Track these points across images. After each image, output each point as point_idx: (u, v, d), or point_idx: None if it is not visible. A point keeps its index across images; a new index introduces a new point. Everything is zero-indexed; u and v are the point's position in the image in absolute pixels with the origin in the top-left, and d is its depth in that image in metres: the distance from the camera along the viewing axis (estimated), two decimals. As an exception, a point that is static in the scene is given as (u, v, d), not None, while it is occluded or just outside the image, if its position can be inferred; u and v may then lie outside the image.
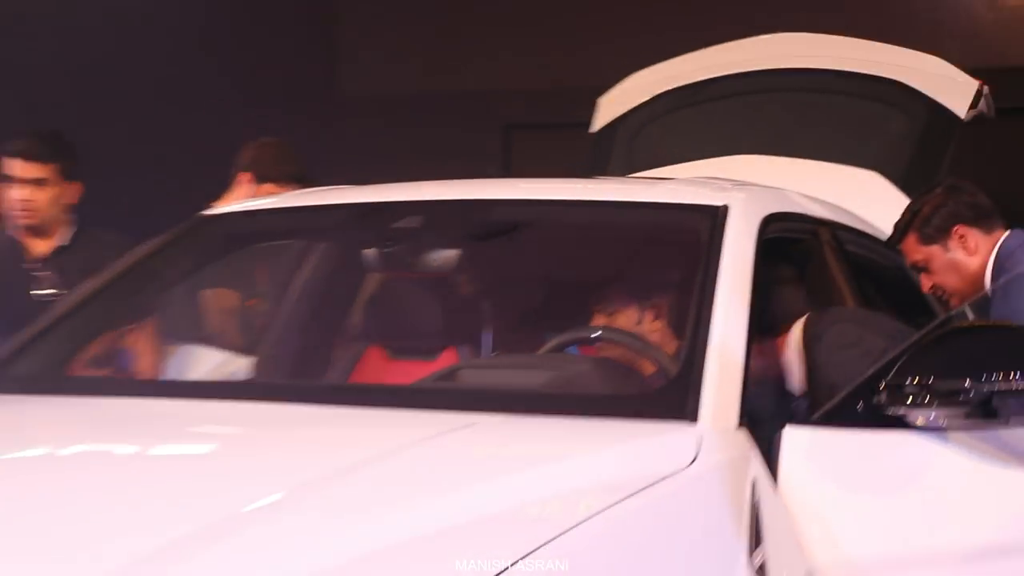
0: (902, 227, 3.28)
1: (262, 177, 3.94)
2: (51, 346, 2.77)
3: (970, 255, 3.28)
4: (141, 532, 1.60)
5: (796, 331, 2.63)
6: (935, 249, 3.29)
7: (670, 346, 2.77)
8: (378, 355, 2.95)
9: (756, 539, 1.91)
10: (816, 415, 2.21)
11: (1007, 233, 3.26)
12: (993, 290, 3.23)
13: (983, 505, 2.28)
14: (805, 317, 2.67)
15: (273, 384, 2.99)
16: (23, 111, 4.32)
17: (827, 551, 2.10)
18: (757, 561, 1.89)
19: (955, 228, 3.24)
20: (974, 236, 3.27)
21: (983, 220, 3.29)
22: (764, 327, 2.69)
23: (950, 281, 3.30)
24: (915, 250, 3.30)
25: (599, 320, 2.83)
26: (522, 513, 1.67)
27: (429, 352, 2.92)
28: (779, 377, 2.68)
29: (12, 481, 1.93)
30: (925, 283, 3.34)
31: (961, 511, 2.27)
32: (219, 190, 3.94)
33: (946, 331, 2.23)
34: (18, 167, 3.74)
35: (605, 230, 2.97)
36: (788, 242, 2.73)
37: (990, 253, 3.26)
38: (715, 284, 2.32)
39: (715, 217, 2.51)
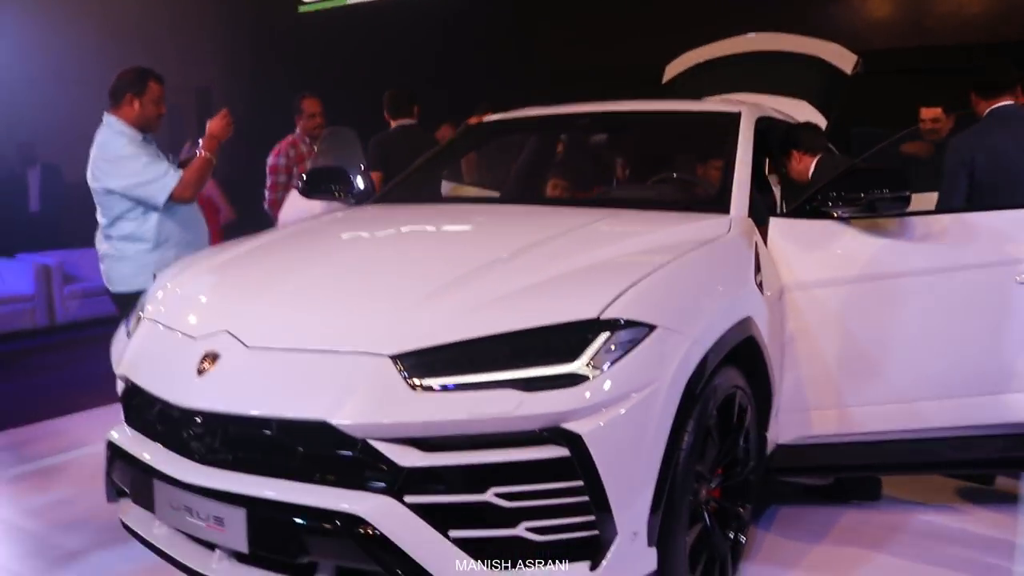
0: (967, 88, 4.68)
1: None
2: (414, 181, 4.19)
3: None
4: (453, 267, 2.66)
5: (813, 164, 4.00)
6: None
7: (705, 177, 4.01)
8: (554, 191, 4.27)
9: (757, 268, 3.08)
10: (785, 211, 3.45)
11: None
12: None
13: (862, 255, 3.30)
14: (817, 158, 4.02)
15: (515, 196, 4.38)
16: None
17: (788, 276, 3.26)
18: (758, 279, 3.06)
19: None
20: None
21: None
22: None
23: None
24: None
25: (687, 168, 4.09)
26: (655, 251, 2.77)
27: (587, 188, 4.19)
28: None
29: (371, 242, 3.25)
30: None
31: (852, 258, 3.30)
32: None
33: (853, 168, 3.37)
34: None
35: (686, 125, 4.18)
36: (767, 129, 3.94)
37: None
38: (736, 150, 3.55)
39: (735, 118, 3.76)
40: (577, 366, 2.27)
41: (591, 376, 2.26)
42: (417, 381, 2.25)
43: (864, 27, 8.44)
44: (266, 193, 6.47)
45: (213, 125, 4.21)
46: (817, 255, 3.35)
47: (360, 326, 2.42)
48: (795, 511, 3.73)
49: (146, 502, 2.62)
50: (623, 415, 2.29)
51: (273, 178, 6.40)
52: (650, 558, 2.41)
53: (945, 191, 4.44)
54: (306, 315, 2.55)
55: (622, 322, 2.36)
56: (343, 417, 2.22)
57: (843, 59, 5.37)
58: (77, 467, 4.37)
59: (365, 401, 2.23)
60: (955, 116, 5.86)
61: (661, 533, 2.42)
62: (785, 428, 3.40)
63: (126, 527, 2.83)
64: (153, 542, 2.68)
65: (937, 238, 3.37)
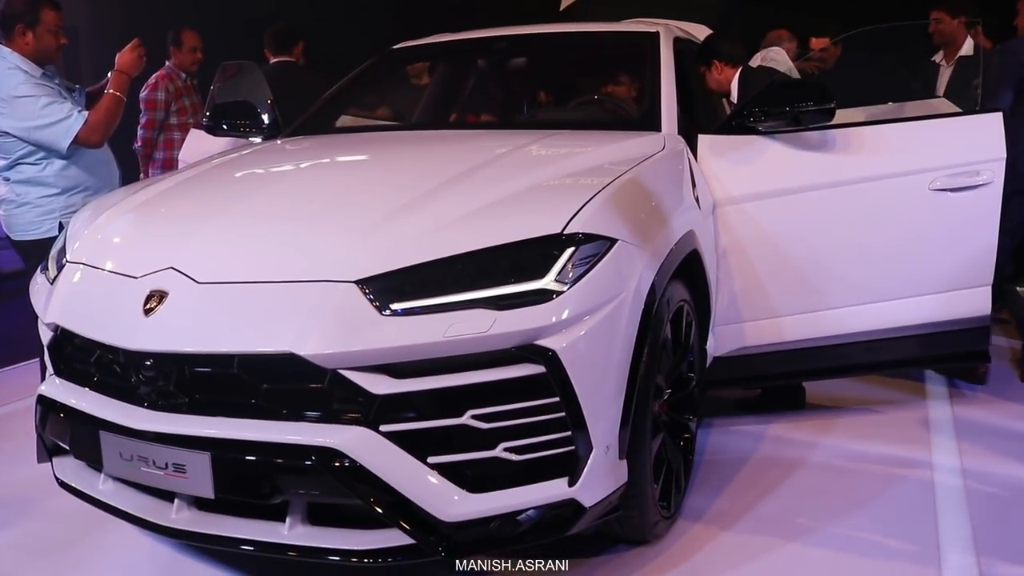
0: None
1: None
2: (325, 112, 4.04)
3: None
4: (402, 191, 2.59)
5: (736, 77, 4.00)
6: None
7: (626, 97, 4.02)
8: (472, 117, 4.20)
9: (693, 184, 3.14)
10: (712, 127, 3.49)
11: None
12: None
13: (787, 168, 3.39)
14: (740, 71, 4.04)
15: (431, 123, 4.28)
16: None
17: (719, 191, 3.34)
18: (695, 194, 3.11)
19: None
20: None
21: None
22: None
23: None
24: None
25: (608, 89, 4.07)
26: (600, 168, 2.77)
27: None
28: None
29: (308, 171, 3.14)
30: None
31: (778, 172, 3.40)
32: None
33: (776, 84, 3.48)
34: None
35: (605, 46, 4.18)
36: (682, 49, 3.95)
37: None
38: (659, 68, 3.56)
39: (655, 37, 3.78)
40: (546, 282, 2.25)
41: (560, 291, 2.25)
42: (385, 305, 2.19)
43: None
44: (138, 131, 5.88)
45: (122, 59, 3.87)
46: (745, 170, 3.42)
47: (318, 253, 2.33)
48: (728, 424, 3.85)
49: (91, 456, 2.48)
50: (593, 329, 2.29)
51: (150, 114, 5.80)
52: (622, 470, 2.44)
53: (991, 91, 4.49)
54: (257, 246, 2.43)
55: (585, 236, 2.34)
56: (312, 348, 2.14)
57: None
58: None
59: (333, 330, 2.16)
60: (841, 45, 6.06)
61: (631, 445, 2.46)
62: (720, 341, 3.50)
63: (63, 485, 2.68)
64: (99, 497, 2.55)
65: (857, 150, 3.46)
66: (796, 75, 4.97)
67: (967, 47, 5.31)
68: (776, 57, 5.27)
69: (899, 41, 5.42)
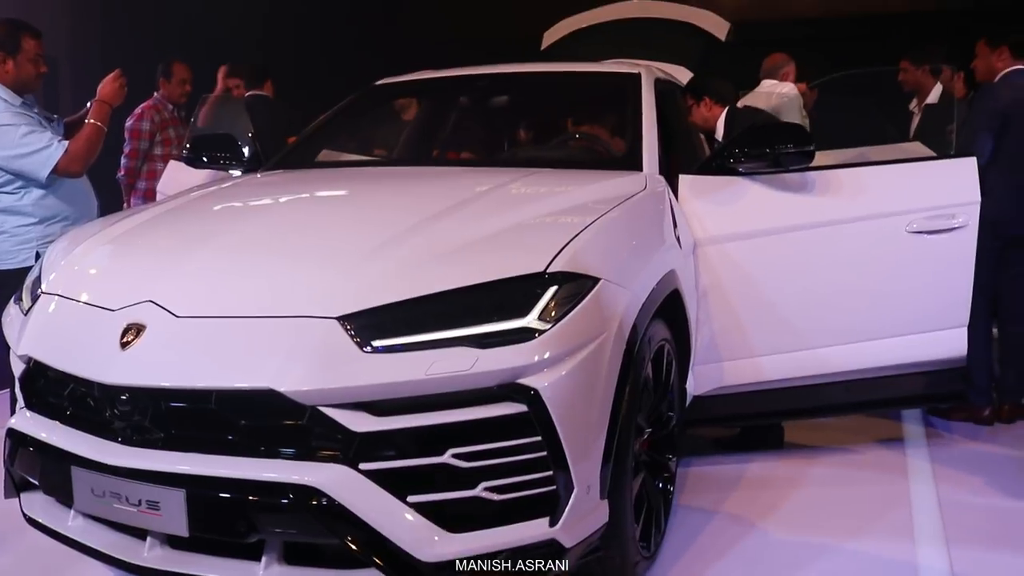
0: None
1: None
2: (307, 147, 4.03)
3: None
4: (384, 227, 2.58)
5: (722, 116, 4.05)
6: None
7: (607, 137, 4.02)
8: (454, 154, 4.21)
9: (674, 224, 3.14)
10: (693, 168, 3.52)
11: None
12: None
13: (767, 209, 3.43)
14: (727, 110, 4.09)
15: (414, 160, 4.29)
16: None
17: (700, 231, 3.35)
18: (675, 234, 3.12)
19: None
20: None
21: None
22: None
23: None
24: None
25: (590, 129, 4.09)
26: (582, 207, 2.76)
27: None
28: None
29: (289, 205, 3.10)
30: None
31: (757, 211, 3.42)
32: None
33: (758, 126, 3.55)
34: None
35: (587, 86, 4.20)
36: (661, 89, 3.96)
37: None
38: (641, 109, 3.59)
39: (636, 78, 3.81)
40: (529, 320, 2.24)
41: (543, 330, 2.23)
42: (367, 342, 2.17)
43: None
44: (122, 160, 5.89)
45: (104, 89, 3.85)
46: (726, 210, 3.44)
47: (300, 289, 2.31)
48: (707, 463, 3.83)
49: (62, 491, 2.42)
50: (576, 368, 2.28)
51: (135, 144, 5.84)
52: (603, 510, 2.42)
53: (975, 135, 4.36)
54: (237, 281, 2.40)
55: (567, 275, 2.34)
56: (291, 384, 2.11)
57: (717, 26, 5.58)
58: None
59: (314, 366, 2.13)
60: (818, 90, 6.16)
61: (612, 485, 2.43)
62: (700, 380, 3.49)
63: (31, 521, 2.61)
64: (68, 534, 2.48)
65: (835, 192, 3.50)
66: (802, 109, 5.05)
67: (933, 95, 5.35)
68: (789, 102, 5.32)
69: (879, 86, 5.52)
